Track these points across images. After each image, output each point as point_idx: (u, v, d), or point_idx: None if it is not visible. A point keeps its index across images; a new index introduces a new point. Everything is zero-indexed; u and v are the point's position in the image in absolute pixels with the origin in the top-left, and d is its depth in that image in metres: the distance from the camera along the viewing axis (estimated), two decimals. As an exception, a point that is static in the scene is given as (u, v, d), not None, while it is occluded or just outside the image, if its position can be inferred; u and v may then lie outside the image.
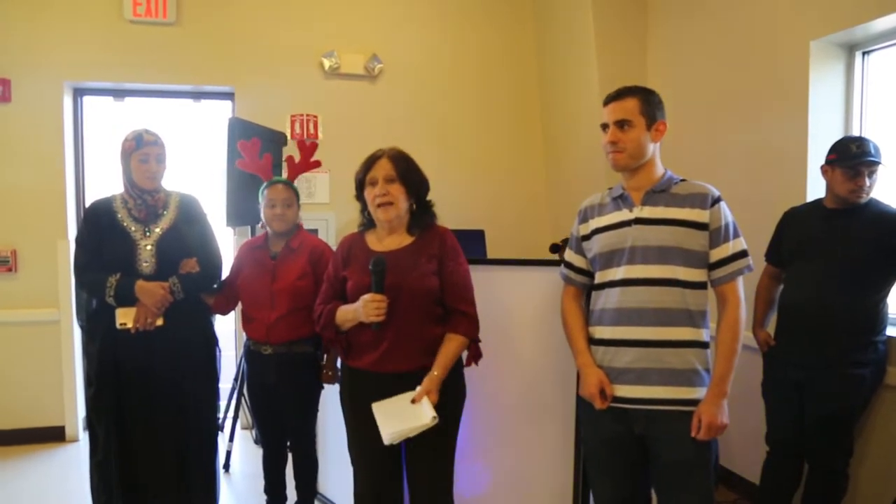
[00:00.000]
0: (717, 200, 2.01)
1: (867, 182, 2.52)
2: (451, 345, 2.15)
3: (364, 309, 2.06)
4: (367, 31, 4.68)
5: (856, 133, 3.00)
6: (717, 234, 1.99)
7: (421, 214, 2.25)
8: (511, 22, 4.93)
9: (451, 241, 2.23)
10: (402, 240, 2.21)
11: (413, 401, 2.08)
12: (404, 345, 2.12)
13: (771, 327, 2.87)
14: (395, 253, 2.17)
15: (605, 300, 2.08)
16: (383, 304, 2.06)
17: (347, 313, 2.16)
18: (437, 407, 2.09)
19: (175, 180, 2.78)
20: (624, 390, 2.02)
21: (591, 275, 2.19)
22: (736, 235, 2.01)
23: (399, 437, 2.05)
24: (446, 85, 4.83)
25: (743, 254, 2.00)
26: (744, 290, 2.02)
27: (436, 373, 2.11)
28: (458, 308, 2.18)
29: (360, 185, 2.23)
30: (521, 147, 4.99)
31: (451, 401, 2.17)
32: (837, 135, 2.95)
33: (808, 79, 2.98)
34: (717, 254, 1.99)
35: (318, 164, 3.04)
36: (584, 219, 2.20)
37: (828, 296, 2.55)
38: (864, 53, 3.00)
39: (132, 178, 2.57)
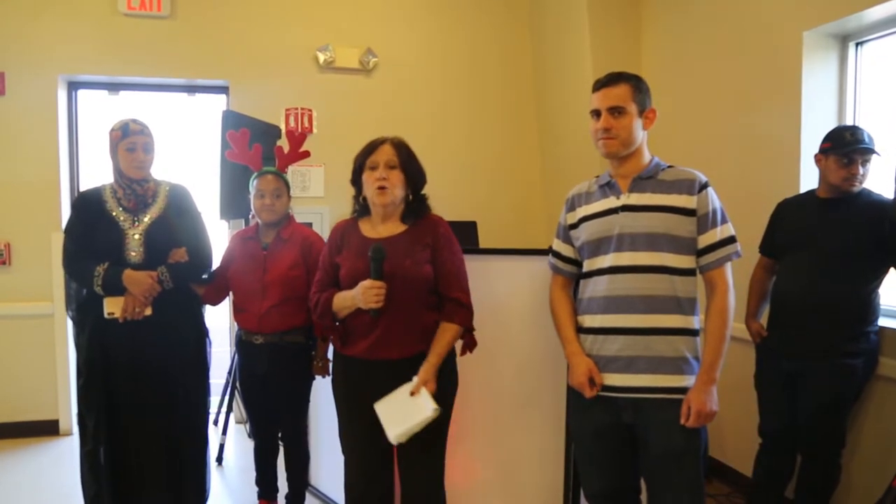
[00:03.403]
0: (704, 186, 1.99)
1: (861, 170, 2.52)
2: (447, 334, 2.15)
3: (363, 295, 2.06)
4: (361, 24, 4.67)
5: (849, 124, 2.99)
6: (705, 220, 1.97)
7: (416, 205, 2.25)
8: (505, 14, 4.93)
9: (445, 230, 2.23)
10: (395, 227, 2.21)
11: (412, 393, 2.07)
12: (397, 332, 2.12)
13: (763, 319, 2.86)
14: (390, 240, 2.16)
15: (594, 288, 2.06)
16: (382, 291, 2.05)
17: (345, 300, 2.15)
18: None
19: (169, 173, 2.77)
20: (612, 379, 2.01)
21: (579, 264, 2.17)
22: (724, 221, 2.00)
23: (406, 436, 2.04)
24: (441, 78, 4.83)
25: (731, 239, 1.99)
26: (732, 277, 2.01)
27: (431, 361, 2.11)
28: (453, 296, 2.18)
29: (360, 169, 2.23)
30: (516, 138, 4.98)
31: (443, 391, 2.17)
32: (831, 125, 2.93)
33: (802, 69, 2.97)
34: (704, 240, 1.98)
35: (307, 154, 3.03)
36: (572, 207, 2.18)
37: (820, 286, 2.55)
38: (857, 44, 2.99)
39: (120, 167, 2.56)
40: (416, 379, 2.09)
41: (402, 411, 2.06)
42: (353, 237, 2.24)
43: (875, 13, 2.72)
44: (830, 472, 2.62)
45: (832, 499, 2.65)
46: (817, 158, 2.63)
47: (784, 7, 3.06)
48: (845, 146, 2.50)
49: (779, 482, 2.78)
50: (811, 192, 2.73)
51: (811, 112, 3.00)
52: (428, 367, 2.10)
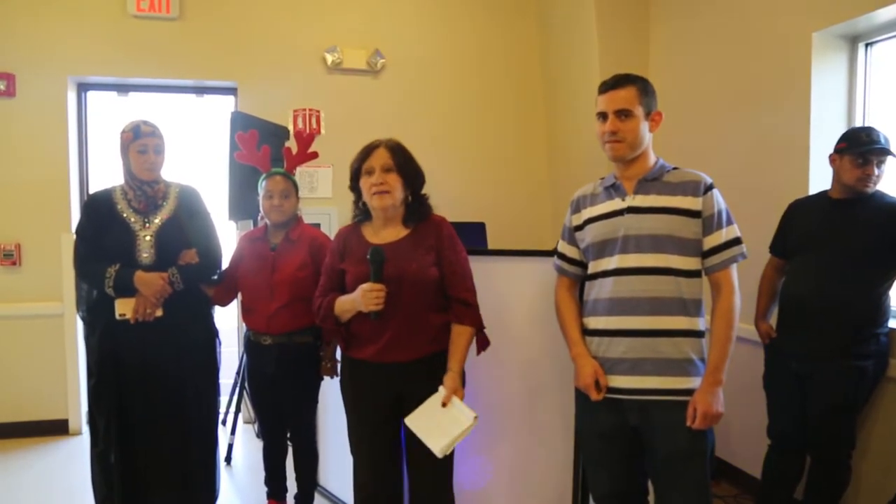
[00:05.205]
0: (709, 188, 1.98)
1: (875, 171, 2.51)
2: (462, 339, 2.17)
3: (363, 298, 2.06)
4: (369, 25, 4.68)
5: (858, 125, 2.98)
6: (710, 222, 1.97)
7: (416, 206, 2.24)
8: (513, 15, 4.93)
9: (448, 230, 2.23)
10: (398, 231, 2.21)
11: (443, 404, 2.08)
12: (407, 335, 2.12)
13: (773, 320, 2.85)
14: (393, 245, 2.16)
15: (599, 290, 2.06)
16: (382, 294, 2.06)
17: (346, 304, 2.16)
18: None
19: (179, 175, 2.79)
20: (618, 381, 2.00)
21: (584, 266, 2.17)
22: (729, 223, 1.99)
23: (450, 448, 2.05)
24: (449, 79, 4.83)
25: (736, 241, 1.98)
26: (738, 278, 2.00)
27: (454, 370, 2.12)
28: (461, 297, 2.18)
29: (356, 175, 2.23)
30: (524, 139, 4.98)
31: None
32: (840, 127, 2.93)
33: (811, 70, 2.96)
34: (710, 241, 1.97)
35: (315, 155, 3.04)
36: (577, 209, 2.18)
37: (830, 287, 2.54)
38: (866, 45, 2.98)
39: (131, 169, 2.57)
40: (442, 390, 2.10)
41: (439, 423, 2.06)
42: (355, 243, 2.24)
43: (885, 14, 2.71)
44: (840, 474, 2.61)
45: (841, 501, 2.64)
46: (832, 158, 2.62)
47: (793, 8, 3.05)
48: (861, 146, 2.49)
49: (787, 483, 2.77)
50: (823, 193, 2.72)
51: (820, 113, 2.98)
52: (453, 376, 2.11)
